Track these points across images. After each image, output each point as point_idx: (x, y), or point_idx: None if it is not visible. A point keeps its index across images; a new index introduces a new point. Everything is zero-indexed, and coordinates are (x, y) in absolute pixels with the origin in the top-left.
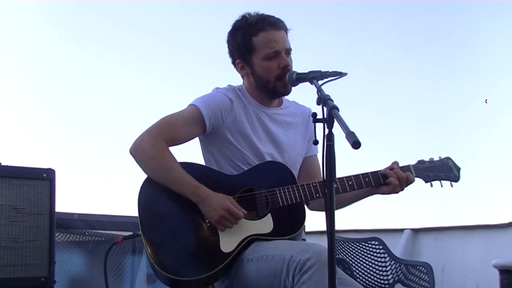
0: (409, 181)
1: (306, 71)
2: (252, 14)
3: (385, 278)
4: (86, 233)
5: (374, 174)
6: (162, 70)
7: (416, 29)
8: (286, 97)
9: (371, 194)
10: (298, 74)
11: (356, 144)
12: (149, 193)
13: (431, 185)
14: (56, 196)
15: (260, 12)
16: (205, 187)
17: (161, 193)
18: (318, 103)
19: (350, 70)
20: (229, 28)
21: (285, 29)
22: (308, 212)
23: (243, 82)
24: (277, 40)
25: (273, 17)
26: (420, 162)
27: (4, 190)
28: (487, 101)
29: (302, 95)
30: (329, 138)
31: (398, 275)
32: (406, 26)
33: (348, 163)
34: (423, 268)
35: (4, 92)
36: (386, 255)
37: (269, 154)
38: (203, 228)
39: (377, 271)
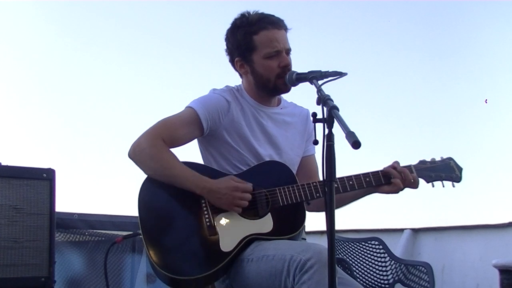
0: (412, 184)
1: (306, 71)
2: (251, 13)
3: (385, 278)
4: (86, 233)
5: (375, 173)
6: (163, 70)
7: (416, 29)
8: (284, 97)
9: (371, 193)
10: (298, 74)
11: (356, 144)
12: (149, 192)
13: (433, 185)
14: (56, 196)
15: (260, 11)
16: (207, 177)
17: (162, 192)
18: (318, 103)
19: (350, 70)
20: (228, 26)
21: (286, 29)
22: (308, 212)
23: (241, 82)
24: (278, 39)
25: (274, 16)
26: (422, 162)
27: (4, 190)
28: (487, 101)
29: (302, 95)
30: (329, 138)
31: (398, 275)
32: (406, 26)
33: (348, 163)
34: (423, 268)
35: (4, 92)
36: (386, 255)
37: (268, 155)
38: (203, 227)
39: (377, 271)
